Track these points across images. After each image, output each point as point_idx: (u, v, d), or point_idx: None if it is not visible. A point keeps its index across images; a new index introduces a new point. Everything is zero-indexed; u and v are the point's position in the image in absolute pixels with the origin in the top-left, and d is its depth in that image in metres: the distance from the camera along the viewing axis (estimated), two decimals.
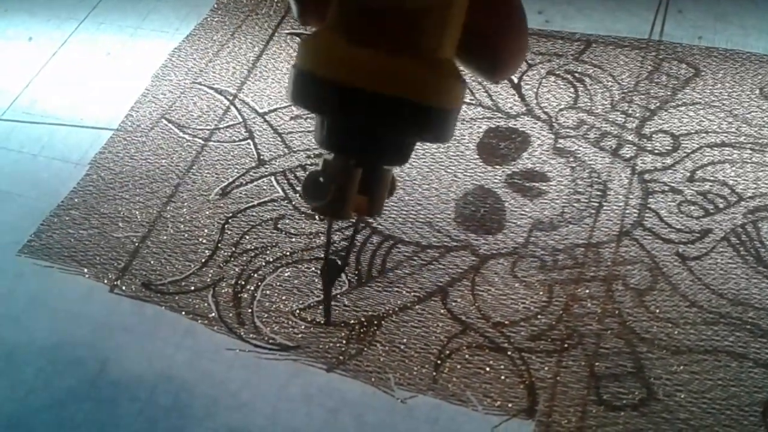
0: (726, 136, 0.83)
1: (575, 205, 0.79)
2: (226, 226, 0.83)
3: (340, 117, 0.37)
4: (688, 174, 0.80)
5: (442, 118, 0.37)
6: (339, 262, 0.51)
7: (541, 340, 0.70)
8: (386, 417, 0.67)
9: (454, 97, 0.37)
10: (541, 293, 0.73)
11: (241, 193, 0.86)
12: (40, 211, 0.88)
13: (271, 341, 0.73)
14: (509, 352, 0.69)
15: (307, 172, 0.40)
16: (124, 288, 0.79)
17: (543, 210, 0.79)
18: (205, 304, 0.76)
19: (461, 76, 0.37)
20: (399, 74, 0.35)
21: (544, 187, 0.81)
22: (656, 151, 0.83)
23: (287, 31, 1.05)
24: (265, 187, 0.86)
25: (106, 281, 0.80)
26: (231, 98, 0.97)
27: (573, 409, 0.65)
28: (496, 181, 0.83)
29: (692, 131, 0.84)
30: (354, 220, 0.43)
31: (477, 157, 0.85)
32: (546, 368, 0.68)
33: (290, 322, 0.74)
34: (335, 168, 0.38)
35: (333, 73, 0.35)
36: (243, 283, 0.78)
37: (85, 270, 0.81)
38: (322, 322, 0.74)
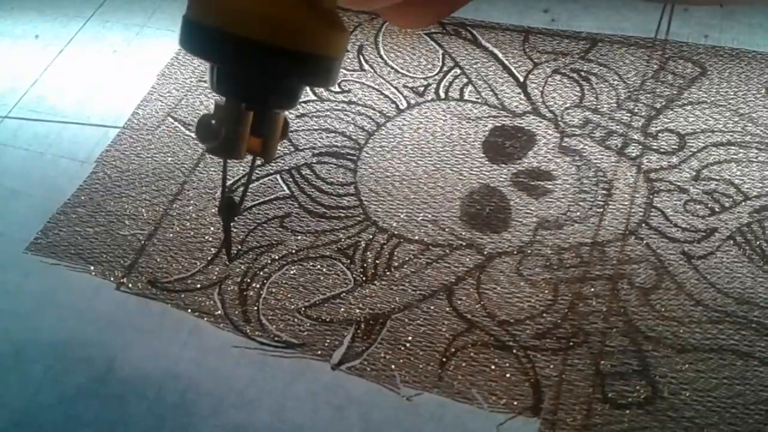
0: (732, 135, 0.83)
1: (581, 203, 0.79)
2: (232, 223, 0.83)
3: (222, 63, 0.39)
4: (694, 173, 0.80)
5: (326, 66, 0.40)
6: (236, 200, 0.54)
7: (546, 339, 0.70)
8: (391, 414, 0.67)
9: (337, 46, 0.40)
10: (546, 292, 0.73)
11: (247, 191, 0.86)
12: (46, 208, 0.88)
13: (276, 339, 0.73)
14: (514, 350, 0.70)
15: (200, 116, 0.42)
16: (130, 286, 0.79)
17: (548, 209, 0.79)
18: (211, 302, 0.77)
19: (344, 27, 0.39)
20: (284, 24, 0.37)
21: (549, 186, 0.81)
22: (662, 150, 0.83)
23: None
24: (270, 185, 0.86)
25: (112, 279, 0.80)
26: None
27: (578, 407, 0.65)
28: (501, 179, 0.83)
29: (698, 130, 0.84)
30: (249, 161, 0.48)
31: (483, 155, 0.85)
32: (551, 366, 0.68)
33: (296, 320, 0.74)
34: (226, 112, 0.40)
35: (220, 23, 0.37)
36: (249, 280, 0.78)
37: (92, 268, 0.81)
38: (226, 260, 0.78)
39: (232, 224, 0.78)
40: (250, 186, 0.87)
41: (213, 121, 0.40)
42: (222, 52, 0.38)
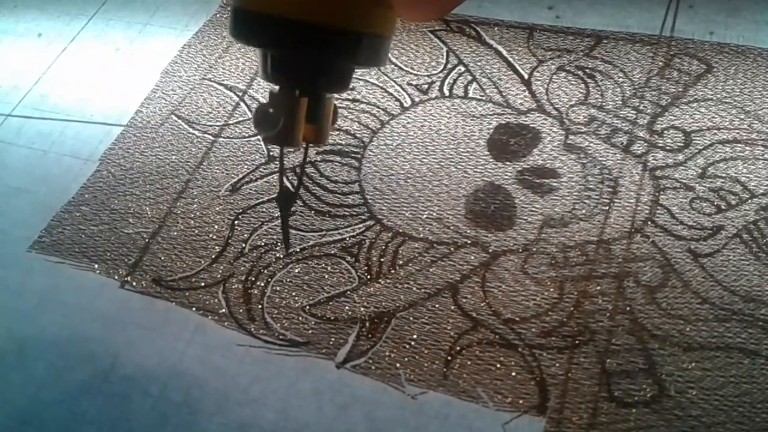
0: (738, 133, 0.82)
1: (586, 201, 0.79)
2: (236, 222, 0.83)
3: (280, 49, 0.39)
4: (700, 170, 0.80)
5: (379, 45, 0.40)
6: (292, 190, 0.55)
7: (552, 337, 0.70)
8: (396, 413, 0.67)
9: (387, 24, 0.40)
10: (552, 290, 0.73)
11: (251, 189, 0.86)
12: (50, 207, 0.88)
13: (281, 337, 0.73)
14: (520, 349, 0.69)
15: (257, 105, 0.42)
16: (134, 284, 0.79)
17: (554, 206, 0.79)
18: (216, 300, 0.76)
19: (392, 6, 0.39)
20: (336, 4, 0.37)
21: (554, 184, 0.81)
22: (668, 148, 0.82)
23: None
24: (275, 184, 0.86)
25: (116, 277, 0.80)
26: (241, 94, 0.97)
27: (584, 405, 0.65)
28: (506, 177, 0.82)
29: (704, 128, 0.83)
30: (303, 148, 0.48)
31: (487, 153, 0.85)
32: (557, 365, 0.68)
33: (300, 318, 0.74)
34: (283, 99, 0.41)
35: (269, 7, 0.38)
36: (253, 279, 0.78)
37: (96, 266, 0.81)
38: (284, 249, 0.77)
39: (288, 214, 0.79)
40: (254, 183, 0.86)
41: (271, 110, 0.41)
42: (276, 38, 0.38)
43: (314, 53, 0.39)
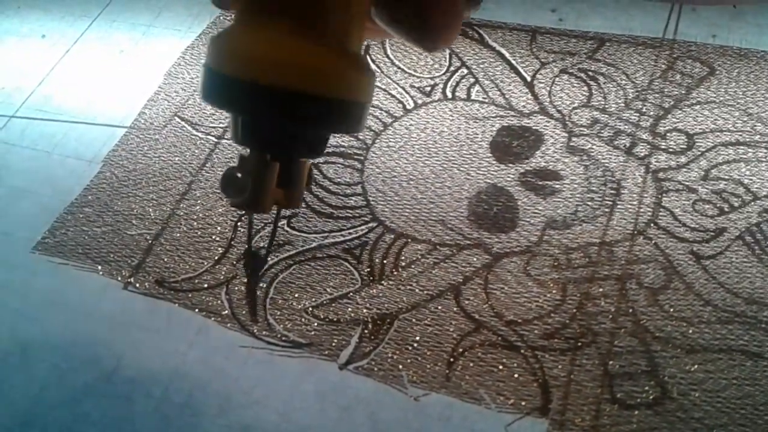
0: (741, 135, 0.82)
1: (589, 203, 0.79)
2: (239, 223, 0.83)
3: (253, 114, 0.37)
4: (703, 173, 0.80)
5: (357, 111, 0.38)
6: (262, 254, 0.52)
7: (554, 339, 0.70)
8: (399, 414, 0.67)
9: (366, 90, 0.38)
10: (554, 292, 0.73)
11: None
12: (54, 208, 0.88)
13: (284, 338, 0.73)
14: (522, 351, 0.69)
15: (225, 169, 0.40)
16: (137, 285, 0.79)
17: (556, 208, 0.79)
18: (219, 302, 0.77)
19: (371, 70, 0.38)
20: (313, 71, 0.35)
21: (557, 186, 0.81)
22: (670, 150, 0.82)
23: None
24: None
25: (119, 279, 0.80)
26: None
27: (587, 407, 0.65)
28: (509, 179, 0.82)
29: (707, 130, 0.83)
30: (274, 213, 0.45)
31: (490, 155, 0.85)
32: (559, 366, 0.68)
33: (303, 320, 0.74)
34: (252, 163, 0.39)
35: (243, 71, 0.35)
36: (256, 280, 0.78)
37: (99, 267, 0.81)
38: (249, 316, 0.75)
39: (256, 280, 0.76)
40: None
41: (239, 175, 0.38)
42: (251, 104, 0.36)
43: (290, 121, 0.37)
